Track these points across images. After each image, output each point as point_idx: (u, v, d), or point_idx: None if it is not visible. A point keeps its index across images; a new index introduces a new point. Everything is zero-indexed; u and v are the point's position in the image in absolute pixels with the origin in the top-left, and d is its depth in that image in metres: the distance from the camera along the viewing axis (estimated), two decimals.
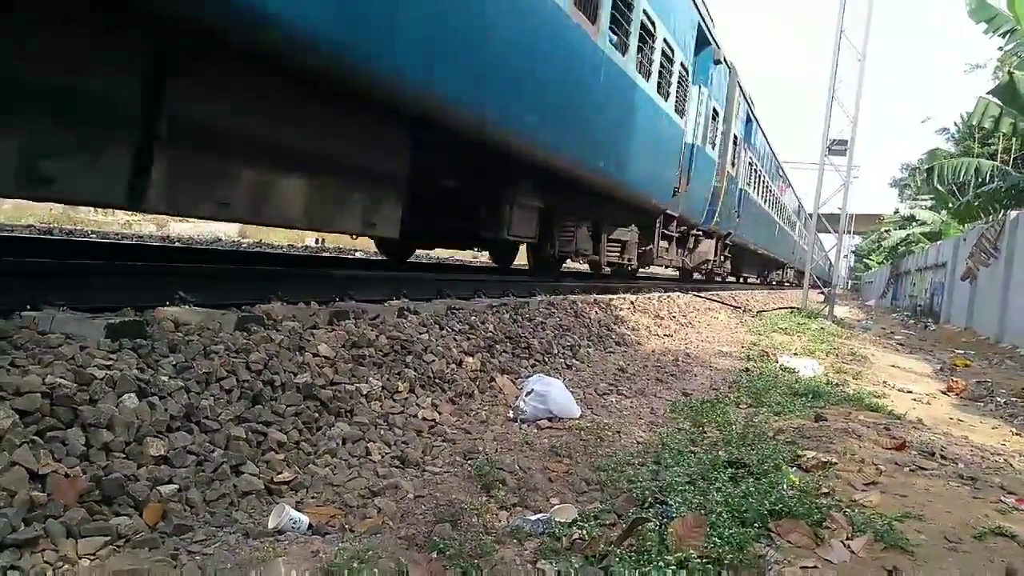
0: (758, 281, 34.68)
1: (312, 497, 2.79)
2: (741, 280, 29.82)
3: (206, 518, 2.43)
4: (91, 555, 2.08)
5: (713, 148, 15.16)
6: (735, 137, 17.49)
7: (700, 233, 16.20)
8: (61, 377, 2.51)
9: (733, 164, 17.57)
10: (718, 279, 23.03)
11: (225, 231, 22.91)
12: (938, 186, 24.52)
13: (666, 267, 16.69)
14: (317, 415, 3.29)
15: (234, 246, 15.80)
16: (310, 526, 2.48)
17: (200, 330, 3.31)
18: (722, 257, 19.69)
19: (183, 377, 2.90)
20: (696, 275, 20.46)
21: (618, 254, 11.91)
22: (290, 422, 3.13)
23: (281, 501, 2.63)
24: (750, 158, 20.72)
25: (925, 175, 22.76)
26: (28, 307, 3.02)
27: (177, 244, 13.49)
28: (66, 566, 2.01)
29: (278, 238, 22.96)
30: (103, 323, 2.97)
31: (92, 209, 23.04)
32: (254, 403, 3.07)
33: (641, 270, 15.81)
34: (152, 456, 2.48)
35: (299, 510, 2.58)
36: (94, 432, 2.42)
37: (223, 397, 2.97)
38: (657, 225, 12.84)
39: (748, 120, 19.75)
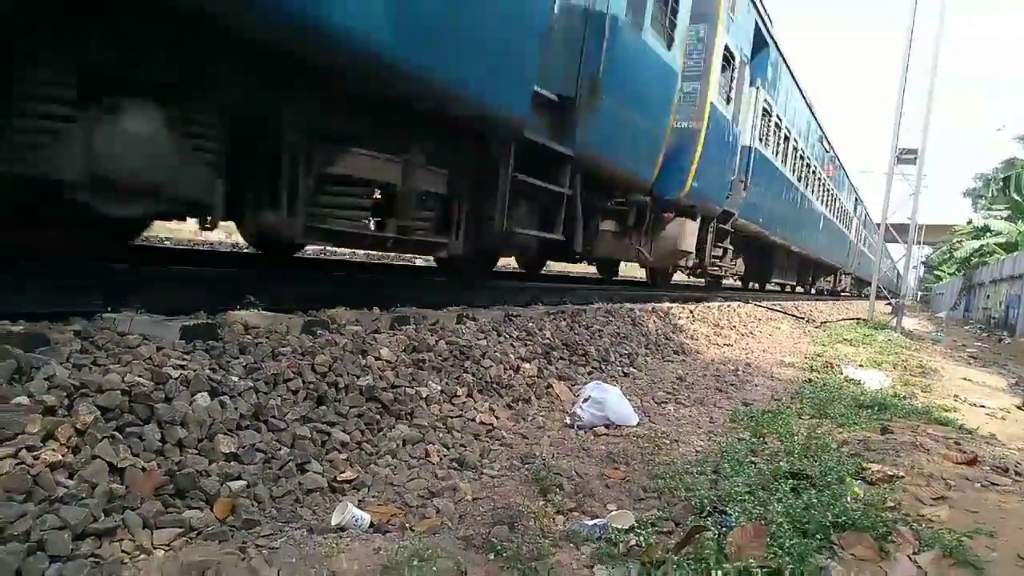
0: (800, 289, 27.58)
1: (373, 496, 2.86)
2: (761, 288, 23.38)
3: (272, 514, 2.52)
4: (165, 546, 2.18)
5: (669, 50, 8.45)
6: (728, 52, 10.81)
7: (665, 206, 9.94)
8: (139, 376, 2.64)
9: (728, 98, 11.24)
10: (734, 281, 19.21)
11: None
12: (1015, 195, 23.56)
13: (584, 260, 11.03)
14: (379, 416, 3.37)
15: (301, 252, 16.19)
16: (372, 524, 2.55)
17: (268, 333, 3.43)
18: (721, 251, 13.18)
19: (252, 378, 3.01)
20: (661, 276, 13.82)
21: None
22: (353, 423, 3.21)
23: (344, 499, 2.71)
24: (767, 102, 14.29)
25: (1001, 184, 21.89)
26: (108, 309, 3.18)
27: (246, 251, 13.90)
28: (142, 556, 2.11)
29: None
30: (178, 325, 3.10)
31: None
32: (319, 404, 3.16)
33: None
34: (223, 453, 2.59)
35: (361, 508, 2.64)
36: (169, 429, 2.53)
37: (289, 397, 3.08)
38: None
39: (760, 41, 13.17)
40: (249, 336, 3.33)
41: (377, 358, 3.74)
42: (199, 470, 2.48)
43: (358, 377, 3.45)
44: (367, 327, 4.02)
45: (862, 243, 35.14)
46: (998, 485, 3.55)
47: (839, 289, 35.15)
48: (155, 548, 2.17)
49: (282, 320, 3.59)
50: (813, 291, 29.43)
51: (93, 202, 3.25)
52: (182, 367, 2.83)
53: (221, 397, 2.78)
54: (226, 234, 16.93)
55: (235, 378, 2.94)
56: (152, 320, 3.14)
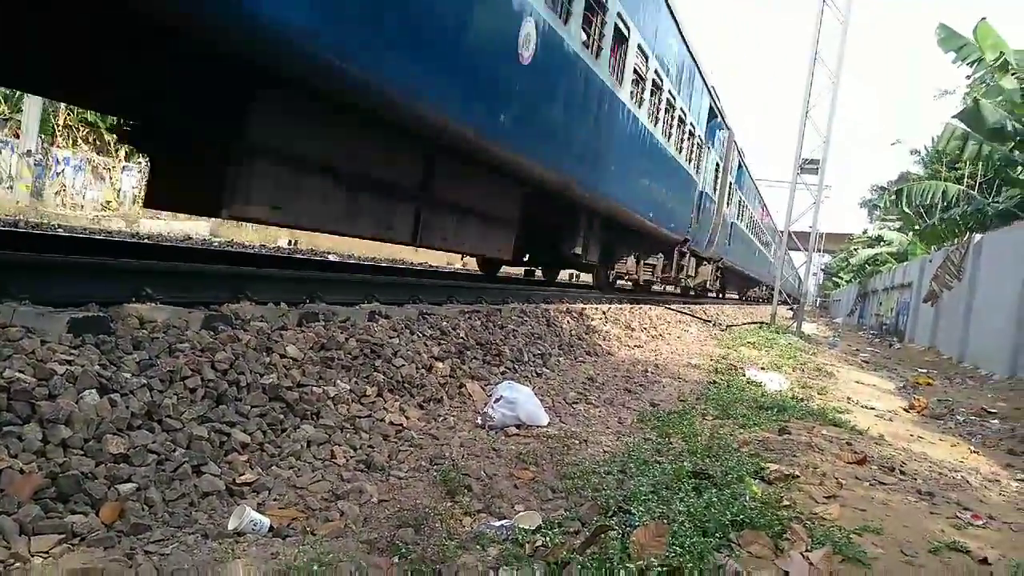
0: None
1: (274, 499, 2.77)
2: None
3: (165, 518, 2.40)
4: (44, 553, 2.05)
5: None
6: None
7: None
8: (20, 371, 2.47)
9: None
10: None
11: (196, 230, 22.58)
12: (906, 208, 25.04)
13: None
14: (282, 417, 3.26)
15: (205, 244, 15.61)
16: (271, 528, 2.46)
17: (166, 328, 3.27)
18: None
19: (146, 375, 2.87)
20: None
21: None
22: (254, 423, 3.10)
23: (242, 502, 2.61)
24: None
25: (894, 196, 23.23)
26: None
27: (147, 241, 13.28)
28: (17, 564, 1.97)
29: (250, 237, 22.70)
30: (66, 318, 2.92)
31: (60, 203, 22.67)
32: (218, 403, 3.03)
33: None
34: (111, 454, 2.45)
35: (261, 512, 2.55)
36: (52, 428, 2.38)
37: (187, 396, 2.94)
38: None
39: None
40: (144, 331, 3.16)
41: (283, 356, 3.62)
42: (85, 472, 2.34)
43: (261, 375, 3.33)
44: (273, 323, 3.89)
45: (775, 258, 37.79)
46: (885, 484, 3.75)
47: (760, 296, 40.06)
48: (33, 555, 2.04)
49: (181, 314, 3.44)
50: (743, 298, 40.19)
51: None
52: (69, 362, 2.66)
53: (111, 395, 2.63)
54: (127, 223, 16.16)
55: (127, 375, 2.79)
56: (37, 312, 2.94)
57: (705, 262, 20.41)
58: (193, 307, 3.66)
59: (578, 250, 10.75)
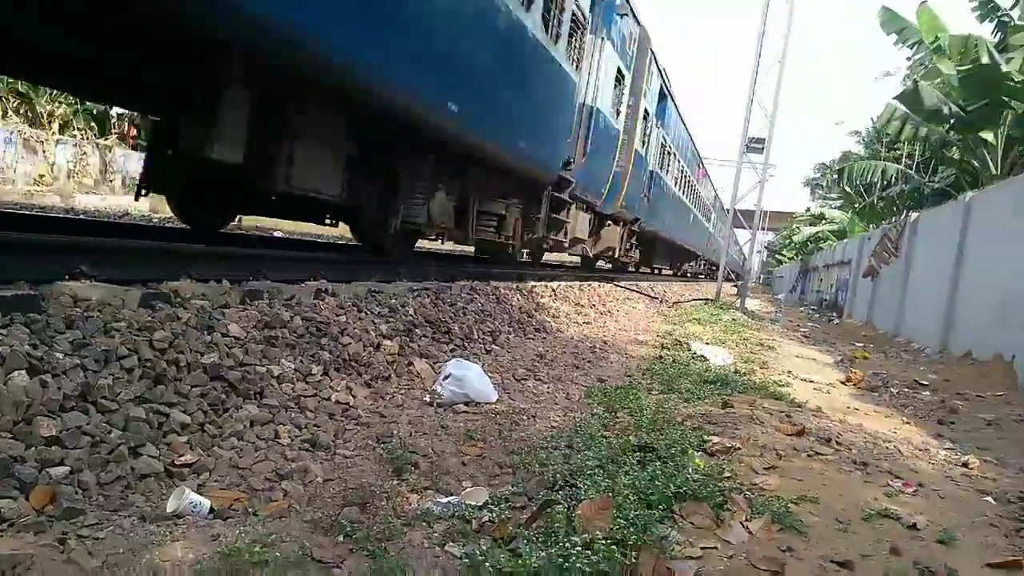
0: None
1: (215, 480, 2.71)
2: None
3: (100, 501, 2.33)
4: None
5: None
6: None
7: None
8: None
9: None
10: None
11: (135, 206, 21.83)
12: (847, 187, 25.75)
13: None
14: (224, 397, 3.19)
15: (144, 221, 15.13)
16: (212, 510, 2.42)
17: (101, 306, 3.15)
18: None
19: (80, 355, 2.76)
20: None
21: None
22: (195, 403, 3.02)
23: (182, 484, 2.55)
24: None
25: (836, 175, 23.85)
26: None
27: (83, 217, 12.81)
28: None
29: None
30: None
31: None
32: (156, 383, 2.95)
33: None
34: (42, 436, 2.36)
35: (201, 493, 2.50)
36: None
37: (123, 376, 2.84)
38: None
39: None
40: (78, 309, 3.05)
41: (225, 334, 3.53)
42: (13, 456, 2.26)
43: (202, 355, 3.24)
44: (215, 301, 3.79)
45: (718, 231, 37.63)
46: (822, 454, 3.87)
47: (698, 272, 39.03)
48: None
49: (117, 292, 3.32)
50: (679, 273, 35.78)
51: None
52: None
53: (42, 376, 2.53)
54: (61, 198, 15.59)
55: (60, 355, 2.68)
56: None
57: (610, 222, 15.60)
58: (130, 285, 3.54)
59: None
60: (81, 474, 2.35)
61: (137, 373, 2.90)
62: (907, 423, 5.67)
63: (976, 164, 16.24)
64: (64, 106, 24.51)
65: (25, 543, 1.96)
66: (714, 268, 23.88)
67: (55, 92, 22.70)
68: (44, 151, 23.83)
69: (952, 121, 15.16)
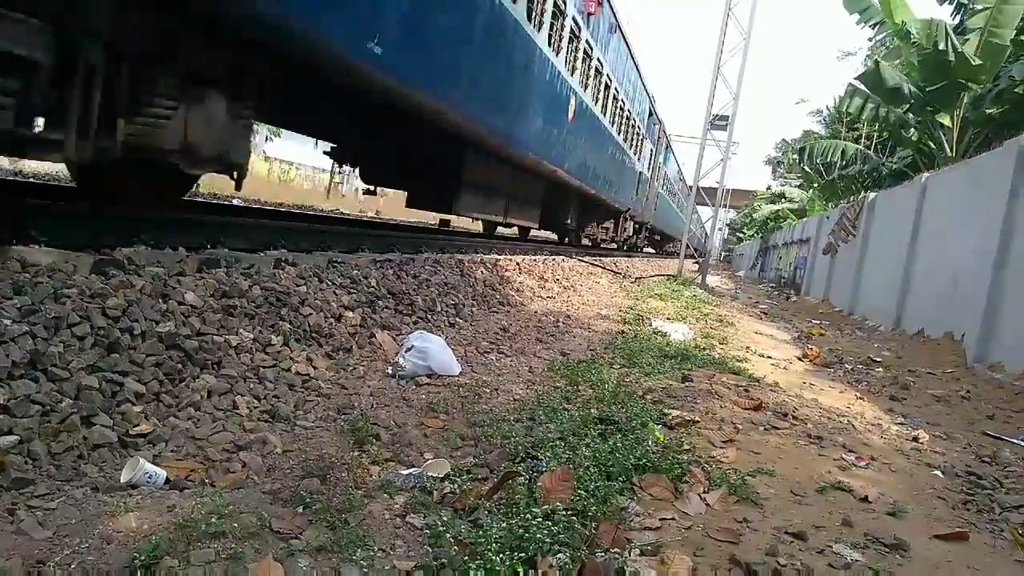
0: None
1: (172, 451, 2.67)
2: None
3: (50, 471, 2.28)
4: None
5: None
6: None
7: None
8: None
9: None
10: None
11: None
12: (805, 167, 26.09)
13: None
14: (180, 366, 3.13)
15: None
16: (168, 480, 2.37)
17: (51, 271, 3.05)
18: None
19: (29, 321, 2.67)
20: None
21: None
22: (150, 372, 2.96)
23: (136, 455, 2.50)
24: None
25: (797, 154, 24.14)
26: None
27: (32, 180, 12.38)
28: None
29: None
30: None
31: None
32: (110, 351, 2.87)
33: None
34: None
35: (157, 464, 2.45)
36: None
37: (74, 344, 2.77)
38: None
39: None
40: (27, 274, 2.95)
41: (181, 303, 3.45)
42: None
43: (157, 323, 3.16)
44: (170, 269, 3.70)
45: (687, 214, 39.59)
46: (778, 428, 3.95)
47: (675, 250, 41.72)
48: None
49: (68, 258, 3.21)
50: (666, 252, 44.50)
51: None
52: None
53: None
54: (9, 160, 15.06)
55: (7, 321, 2.59)
56: None
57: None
58: (81, 250, 3.43)
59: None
60: (31, 443, 2.29)
61: (89, 341, 2.83)
62: (860, 399, 5.82)
63: (932, 145, 16.53)
64: None
65: None
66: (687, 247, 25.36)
67: None
68: None
69: (911, 102, 15.39)
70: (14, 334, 2.57)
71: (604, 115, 15.64)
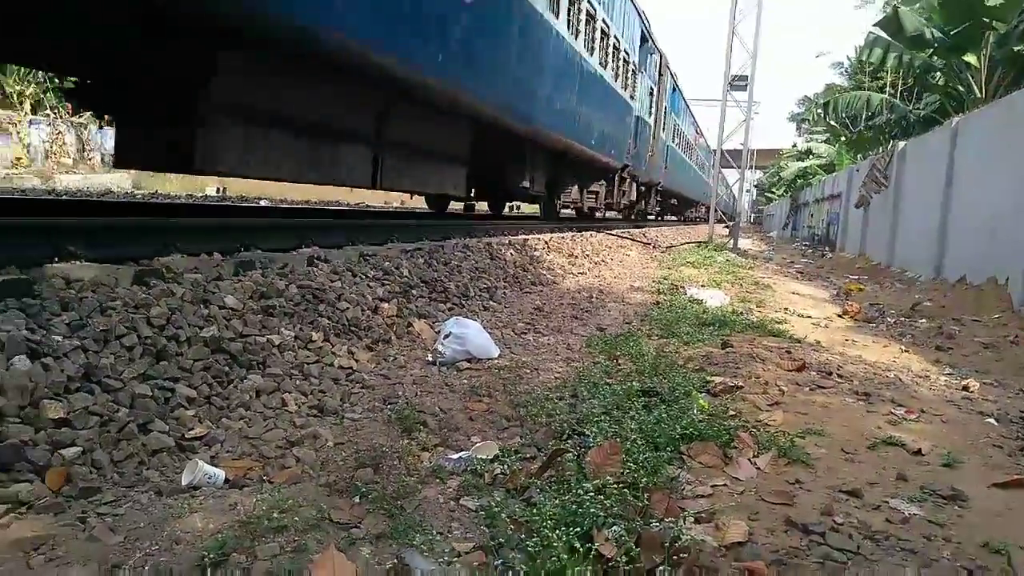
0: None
1: (228, 451, 2.73)
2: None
3: (115, 479, 2.35)
4: None
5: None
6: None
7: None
8: None
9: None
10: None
11: (117, 183, 21.56)
12: (832, 121, 25.61)
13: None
14: (227, 368, 3.20)
15: (128, 197, 14.95)
16: (227, 480, 2.44)
17: (94, 286, 3.13)
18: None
19: (79, 336, 2.75)
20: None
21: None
22: (199, 377, 3.03)
23: (195, 457, 2.56)
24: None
25: (821, 109, 23.69)
26: None
27: (65, 197, 12.65)
28: None
29: (175, 188, 21.84)
30: None
31: None
32: (158, 359, 2.94)
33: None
34: (51, 419, 2.36)
35: (214, 465, 2.52)
36: None
37: (124, 355, 2.84)
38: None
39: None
40: (72, 291, 3.02)
41: (221, 307, 3.52)
42: (24, 440, 2.26)
43: (201, 328, 3.24)
44: (208, 274, 3.76)
45: (710, 178, 38.33)
46: (824, 387, 3.91)
47: (698, 216, 40.83)
48: None
49: (109, 271, 3.29)
50: (689, 219, 41.89)
51: None
52: None
53: (43, 359, 2.52)
54: (42, 180, 15.38)
55: (58, 337, 2.67)
56: None
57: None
58: (121, 263, 3.51)
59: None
60: (94, 453, 2.36)
61: (138, 351, 2.90)
62: (906, 351, 5.73)
63: (961, 88, 16.11)
64: (33, 86, 24.01)
65: (46, 524, 1.98)
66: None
67: (23, 71, 22.16)
68: (18, 132, 23.41)
69: (935, 46, 15.00)
70: (66, 349, 2.65)
71: (571, 34, 11.16)
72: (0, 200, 7.61)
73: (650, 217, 27.61)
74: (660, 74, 21.14)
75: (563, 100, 11.30)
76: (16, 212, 5.47)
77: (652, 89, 19.89)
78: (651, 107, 19.95)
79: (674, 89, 25.16)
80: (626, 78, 15.99)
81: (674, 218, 37.68)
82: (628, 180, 18.29)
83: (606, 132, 14.44)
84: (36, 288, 2.91)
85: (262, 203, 14.88)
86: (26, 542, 1.87)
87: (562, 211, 16.13)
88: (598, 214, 19.11)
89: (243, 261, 4.19)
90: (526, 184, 11.67)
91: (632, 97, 16.95)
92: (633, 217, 23.48)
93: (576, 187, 15.31)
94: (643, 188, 21.37)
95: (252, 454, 2.73)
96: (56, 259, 3.34)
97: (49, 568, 1.79)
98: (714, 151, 23.83)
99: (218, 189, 23.71)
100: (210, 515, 2.06)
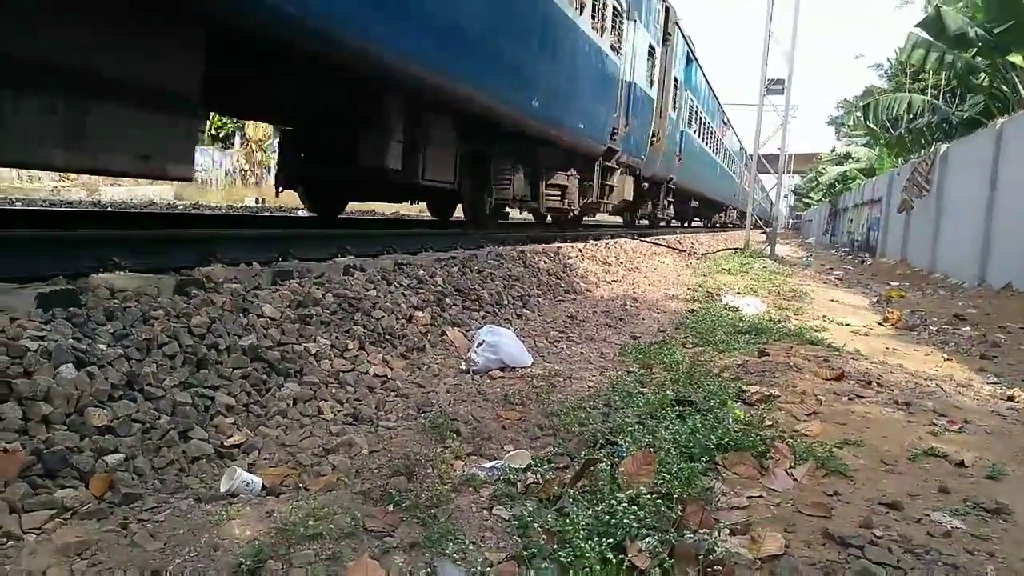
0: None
1: (265, 459, 2.78)
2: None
3: (156, 485, 2.40)
4: (36, 529, 2.04)
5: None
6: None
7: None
8: None
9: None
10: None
11: (159, 195, 22.11)
12: (872, 124, 25.17)
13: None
14: (266, 377, 3.25)
15: (169, 209, 15.31)
16: (264, 487, 2.47)
17: (137, 296, 3.21)
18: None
19: (122, 345, 2.82)
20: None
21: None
22: (238, 385, 3.09)
23: (233, 464, 2.61)
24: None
25: (860, 112, 23.30)
26: None
27: (109, 209, 13.00)
28: (10, 542, 1.97)
29: (215, 199, 22.31)
30: (33, 293, 2.86)
31: (17, 175, 22.00)
32: (199, 367, 3.01)
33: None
34: (95, 426, 2.43)
35: (252, 472, 2.56)
36: (31, 405, 2.35)
37: (165, 363, 2.91)
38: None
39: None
40: (116, 301, 3.11)
41: (260, 316, 3.58)
42: (70, 446, 2.33)
43: (240, 337, 3.30)
44: (247, 284, 3.84)
45: (743, 181, 37.05)
46: (863, 397, 3.84)
47: (728, 222, 38.61)
48: (25, 532, 2.04)
49: (152, 281, 3.37)
50: (710, 224, 35.94)
51: None
52: (41, 338, 2.61)
53: (88, 367, 2.59)
54: (88, 192, 15.81)
55: (103, 346, 2.74)
56: (2, 288, 2.87)
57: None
58: (163, 273, 3.60)
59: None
60: (136, 460, 2.42)
61: (179, 359, 2.97)
62: (948, 360, 5.61)
63: (1005, 89, 15.71)
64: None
65: (89, 530, 2.03)
66: (744, 217, 23.63)
67: None
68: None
69: (978, 45, 14.66)
70: (110, 358, 2.72)
71: None
72: (49, 212, 7.86)
73: (663, 224, 22.71)
74: (666, 32, 15.27)
75: (474, 27, 6.65)
76: (63, 224, 5.65)
77: (652, 47, 14.01)
78: (652, 74, 14.23)
79: (690, 60, 19.34)
80: (602, 17, 10.46)
81: (699, 223, 32.95)
82: (619, 172, 12.88)
83: (570, 96, 9.62)
84: (82, 298, 3.00)
85: (299, 213, 15.12)
86: (70, 547, 1.92)
87: (513, 214, 12.10)
88: (584, 216, 14.51)
89: (281, 271, 4.26)
90: (395, 165, 6.59)
91: (617, 51, 11.49)
92: (641, 222, 20.12)
93: (521, 177, 9.75)
94: (647, 184, 16.43)
95: (289, 461, 2.77)
96: (101, 270, 3.43)
97: (91, 573, 1.83)
98: (750, 156, 23.30)
99: (256, 200, 24.15)
100: (247, 522, 2.10)
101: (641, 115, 13.49)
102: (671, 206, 21.47)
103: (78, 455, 2.31)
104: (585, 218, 15.38)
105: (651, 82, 14.33)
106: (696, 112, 21.52)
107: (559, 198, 10.85)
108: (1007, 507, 2.40)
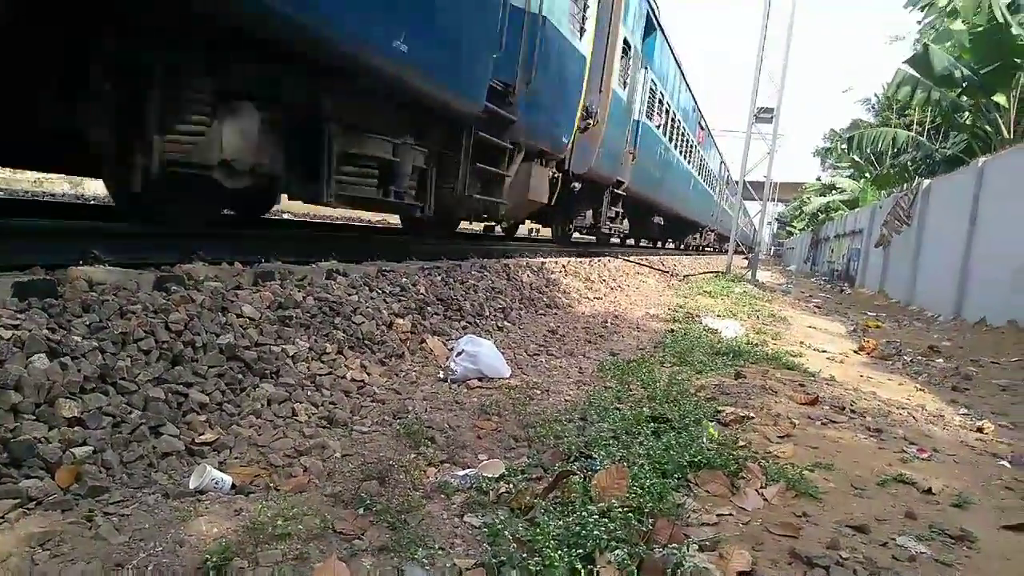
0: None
1: (236, 458, 2.75)
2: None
3: (123, 480, 2.37)
4: None
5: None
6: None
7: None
8: None
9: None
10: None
11: None
12: (857, 156, 25.54)
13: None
14: (241, 376, 3.23)
15: None
16: (233, 486, 2.45)
17: (116, 290, 3.18)
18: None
19: (97, 338, 2.79)
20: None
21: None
22: (212, 383, 3.06)
23: (203, 462, 2.59)
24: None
25: (846, 144, 23.64)
26: None
27: (92, 202, 12.87)
28: None
29: None
30: (10, 282, 2.82)
31: None
32: (174, 364, 2.98)
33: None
34: (65, 418, 2.40)
35: (222, 470, 2.54)
36: (1, 394, 2.32)
37: (140, 358, 2.88)
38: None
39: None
40: (94, 293, 3.07)
41: (239, 315, 3.56)
42: (38, 437, 2.29)
43: (218, 335, 3.28)
44: (228, 283, 3.81)
45: (723, 201, 36.98)
46: (836, 422, 3.87)
47: (703, 245, 37.82)
48: None
49: (131, 276, 3.34)
50: (682, 246, 32.17)
51: None
52: (15, 327, 2.58)
53: (62, 359, 2.57)
54: (71, 185, 15.66)
55: (78, 338, 2.72)
56: None
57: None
58: (143, 268, 3.57)
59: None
60: (104, 453, 2.39)
61: (155, 355, 2.94)
62: (921, 390, 5.67)
63: (988, 128, 16.02)
64: None
65: (53, 521, 2.01)
66: (723, 240, 23.48)
67: None
68: None
69: (964, 85, 14.96)
70: (84, 350, 2.69)
71: None
72: (30, 203, 7.77)
73: (614, 241, 17.92)
74: None
75: None
76: (44, 215, 5.58)
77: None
78: (580, 17, 8.67)
79: (652, 27, 13.88)
80: None
81: (671, 245, 28.95)
82: (521, 156, 8.09)
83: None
84: (60, 289, 2.97)
85: (285, 216, 15.07)
86: (32, 538, 1.90)
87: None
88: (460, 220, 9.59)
89: (263, 272, 4.24)
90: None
91: None
92: (587, 237, 15.47)
93: (258, 123, 4.44)
94: (578, 185, 11.43)
95: (260, 461, 2.75)
96: (80, 262, 3.40)
97: (53, 564, 1.81)
98: (736, 182, 23.41)
99: None
100: (215, 519, 2.08)
101: (559, 73, 8.37)
102: (622, 218, 15.23)
103: (45, 445, 2.28)
104: (464, 224, 10.37)
105: (580, 31, 8.78)
106: (661, 102, 15.99)
107: (373, 187, 5.50)
108: (971, 534, 2.43)
